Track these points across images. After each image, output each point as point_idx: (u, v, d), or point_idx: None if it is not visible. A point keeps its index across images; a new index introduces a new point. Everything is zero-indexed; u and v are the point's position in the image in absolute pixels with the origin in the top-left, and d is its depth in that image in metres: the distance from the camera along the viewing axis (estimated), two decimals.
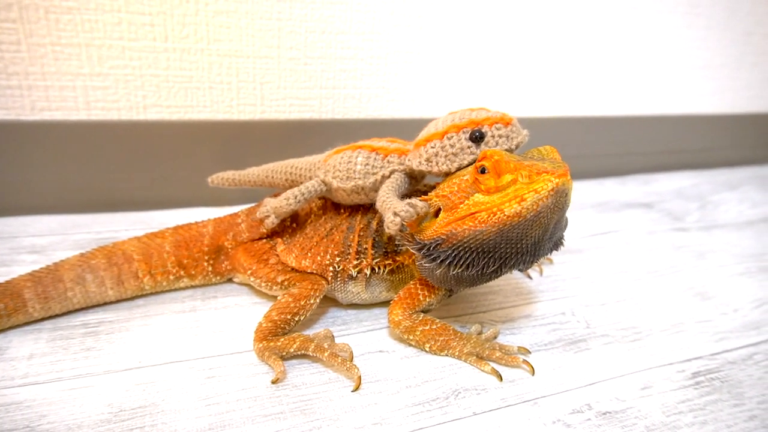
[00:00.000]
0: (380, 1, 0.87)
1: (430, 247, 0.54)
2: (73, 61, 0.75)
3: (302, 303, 0.59)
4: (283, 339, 0.56)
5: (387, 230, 0.54)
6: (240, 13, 0.80)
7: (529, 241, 0.50)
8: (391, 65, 0.93)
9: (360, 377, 0.54)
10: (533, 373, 0.57)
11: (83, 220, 0.80)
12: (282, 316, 0.58)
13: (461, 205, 0.52)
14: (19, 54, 0.72)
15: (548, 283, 0.76)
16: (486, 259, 0.52)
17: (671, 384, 0.58)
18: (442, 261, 0.53)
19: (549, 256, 0.82)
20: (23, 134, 0.75)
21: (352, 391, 0.53)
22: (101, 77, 0.77)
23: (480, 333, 0.62)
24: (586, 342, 0.64)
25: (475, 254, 0.52)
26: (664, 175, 1.25)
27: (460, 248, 0.52)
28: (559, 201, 0.48)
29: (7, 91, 0.73)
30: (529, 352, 0.60)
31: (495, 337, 0.62)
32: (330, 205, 0.67)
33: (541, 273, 0.78)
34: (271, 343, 0.56)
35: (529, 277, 0.77)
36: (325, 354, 0.55)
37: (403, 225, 0.55)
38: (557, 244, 0.56)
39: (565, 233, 0.57)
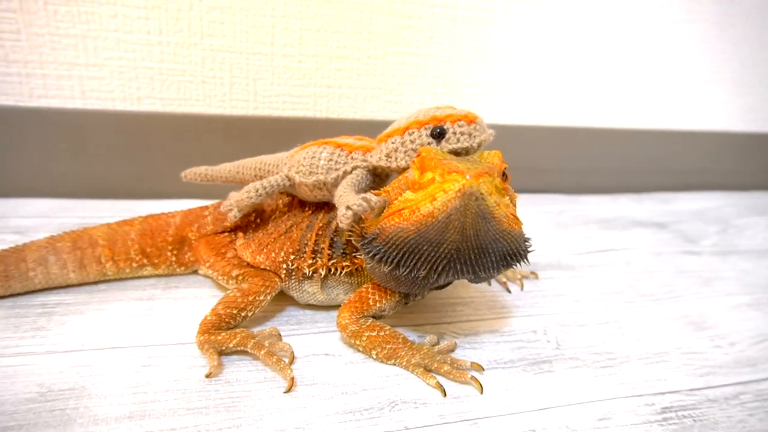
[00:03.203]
0: (379, 2, 0.86)
1: (367, 241, 0.52)
2: (70, 51, 0.77)
3: (250, 299, 0.58)
4: (224, 334, 0.55)
5: (339, 224, 0.53)
6: (234, 9, 0.81)
7: (449, 246, 0.47)
8: (389, 66, 0.91)
9: (293, 378, 0.52)
10: (482, 392, 0.54)
11: (71, 205, 0.82)
12: (227, 311, 0.57)
13: (395, 201, 0.50)
14: (19, 43, 0.75)
15: (527, 299, 0.72)
16: (413, 260, 0.49)
17: (634, 418, 0.53)
18: (374, 256, 0.52)
19: (534, 271, 0.78)
20: (20, 120, 0.78)
21: (284, 393, 0.51)
22: (96, 68, 0.79)
23: (435, 344, 0.59)
24: (551, 364, 0.60)
25: (401, 253, 0.49)
26: (687, 195, 1.17)
27: (388, 244, 0.50)
28: (469, 204, 0.44)
29: (6, 78, 0.77)
30: (483, 369, 0.57)
31: (450, 351, 0.59)
32: (296, 202, 0.66)
33: (521, 287, 0.74)
34: (212, 337, 0.55)
35: (508, 290, 0.73)
36: (262, 352, 0.54)
37: (361, 219, 0.54)
38: (506, 258, 0.51)
39: (523, 249, 0.53)
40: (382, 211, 0.54)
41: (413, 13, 0.88)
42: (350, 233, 0.56)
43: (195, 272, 0.69)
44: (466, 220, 0.45)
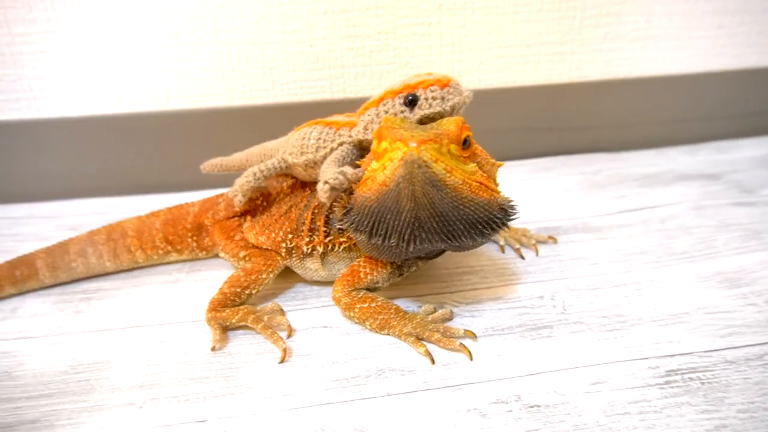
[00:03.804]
0: None
1: (346, 212, 0.55)
2: (104, 62, 0.85)
3: (253, 278, 0.62)
4: (228, 310, 0.60)
5: (320, 198, 0.55)
6: (243, 3, 0.84)
7: (409, 214, 0.47)
8: (400, 39, 0.90)
9: (285, 349, 0.55)
10: (471, 359, 0.54)
11: (121, 202, 0.91)
12: (232, 289, 0.61)
13: (366, 171, 0.51)
14: (59, 59, 0.84)
15: (541, 264, 0.70)
16: (382, 228, 0.50)
17: (632, 381, 0.50)
18: (351, 226, 0.53)
19: (553, 235, 0.75)
20: (70, 129, 0.88)
21: (279, 363, 0.55)
22: (128, 74, 0.87)
23: (430, 314, 0.60)
24: (552, 329, 0.58)
25: (370, 221, 0.51)
26: (749, 141, 1.04)
27: (360, 213, 0.52)
28: (413, 171, 0.44)
29: (53, 92, 0.86)
30: (476, 337, 0.56)
31: (446, 319, 0.59)
32: (299, 184, 0.69)
33: (536, 253, 0.72)
34: (218, 314, 0.60)
35: (522, 257, 0.71)
36: (259, 326, 0.58)
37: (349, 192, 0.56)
38: (477, 226, 0.50)
39: (496, 216, 0.52)
40: None
41: None
42: (338, 207, 0.58)
43: (216, 256, 0.75)
44: (415, 188, 0.45)
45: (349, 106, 0.92)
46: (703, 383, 0.50)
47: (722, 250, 0.71)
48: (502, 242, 0.73)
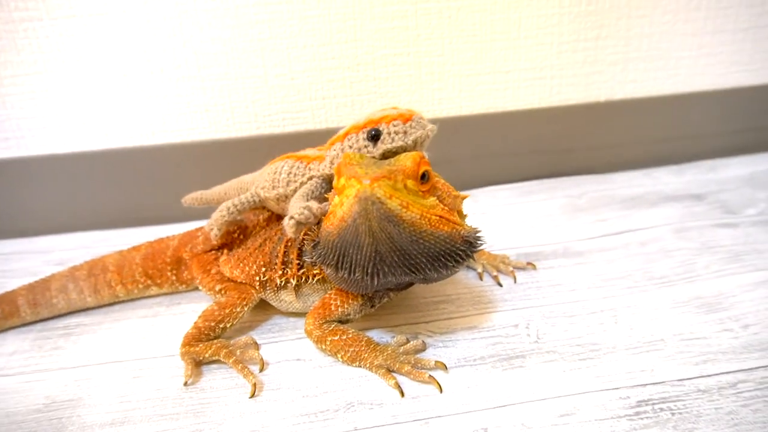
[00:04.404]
0: (359, 8, 0.87)
1: (313, 245, 0.55)
2: (93, 98, 0.88)
3: (227, 311, 0.62)
4: (201, 345, 0.60)
5: (286, 232, 0.56)
6: (223, 39, 0.87)
7: (369, 249, 0.48)
8: (380, 69, 0.92)
9: (255, 384, 0.55)
10: (441, 391, 0.54)
11: (108, 236, 0.92)
12: (206, 323, 0.62)
13: (330, 206, 0.52)
14: (47, 98, 0.87)
15: (518, 291, 0.69)
16: (346, 262, 0.51)
17: (602, 412, 0.50)
18: (318, 258, 0.54)
19: (531, 261, 0.75)
20: (54, 166, 0.90)
21: (249, 398, 0.55)
22: (113, 110, 0.89)
23: (403, 345, 0.59)
24: (524, 359, 0.58)
25: (334, 254, 0.51)
26: (738, 160, 1.04)
27: (325, 247, 0.52)
28: (368, 208, 0.45)
29: (42, 131, 0.88)
30: (446, 368, 0.56)
31: (418, 351, 0.59)
32: (274, 217, 0.70)
33: (514, 280, 0.71)
34: (192, 348, 0.60)
35: (499, 284, 0.71)
36: (231, 360, 0.58)
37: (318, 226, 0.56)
38: (440, 259, 0.51)
39: (458, 248, 0.52)
40: None
41: (396, 13, 0.89)
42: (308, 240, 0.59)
43: (197, 288, 0.75)
44: (372, 223, 0.46)
45: (332, 136, 0.94)
46: (673, 413, 0.49)
47: (702, 274, 0.70)
48: (480, 269, 0.73)
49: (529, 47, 0.94)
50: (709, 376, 0.53)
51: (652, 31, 0.97)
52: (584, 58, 0.97)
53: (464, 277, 0.73)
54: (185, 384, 0.57)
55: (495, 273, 0.72)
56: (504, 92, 0.97)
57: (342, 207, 0.47)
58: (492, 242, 0.80)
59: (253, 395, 0.55)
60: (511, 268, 0.72)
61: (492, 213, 0.93)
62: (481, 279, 0.73)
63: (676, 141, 1.05)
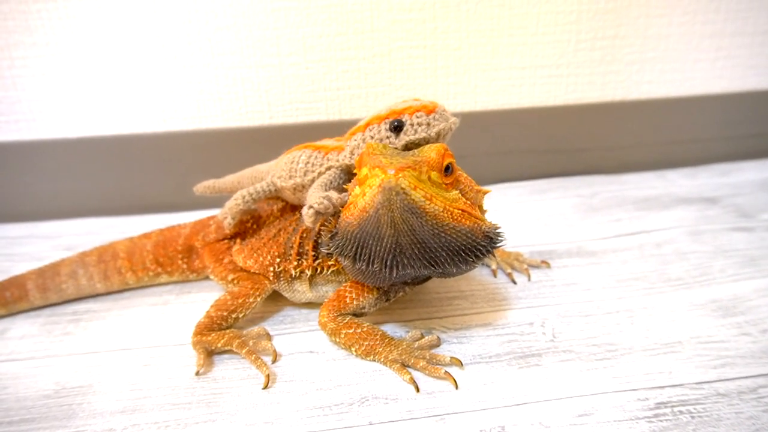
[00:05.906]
0: None
1: (331, 236, 0.55)
2: (107, 83, 0.87)
3: (240, 301, 0.62)
4: (214, 334, 0.59)
5: (305, 223, 0.56)
6: (238, 27, 0.86)
7: (389, 240, 0.47)
8: (395, 61, 0.91)
9: (269, 375, 0.55)
10: (456, 387, 0.53)
11: (117, 222, 0.92)
12: (219, 313, 0.61)
13: (350, 196, 0.51)
14: (58, 81, 0.86)
15: (533, 290, 0.69)
16: (365, 253, 0.50)
17: (620, 413, 0.49)
18: (336, 250, 0.53)
19: (546, 260, 0.74)
20: (66, 150, 0.89)
21: (262, 389, 0.54)
22: (127, 95, 0.88)
23: (417, 340, 0.59)
24: (540, 357, 0.57)
25: (353, 247, 0.51)
26: (752, 164, 1.03)
27: (343, 238, 0.52)
28: (392, 199, 0.44)
29: (53, 114, 0.87)
30: (462, 364, 0.56)
31: (433, 346, 0.59)
32: (289, 207, 0.69)
33: (528, 278, 0.71)
34: (204, 338, 0.59)
35: (513, 281, 0.70)
36: (244, 351, 0.57)
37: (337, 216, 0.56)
38: (461, 253, 0.50)
39: (479, 243, 0.52)
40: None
41: (414, 4, 0.88)
42: (325, 230, 0.58)
43: (207, 278, 0.75)
44: (394, 214, 0.45)
45: (345, 127, 0.93)
46: (693, 417, 0.49)
47: (718, 277, 0.69)
48: (494, 266, 0.72)
49: (546, 44, 0.93)
50: (728, 380, 0.53)
51: (671, 31, 0.96)
52: (602, 57, 0.96)
53: (478, 273, 0.73)
54: (197, 373, 0.57)
55: (509, 270, 0.71)
56: (519, 89, 0.96)
57: (364, 197, 0.46)
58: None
59: (266, 387, 0.54)
60: (525, 266, 0.72)
61: (503, 210, 0.92)
62: (494, 276, 0.72)
63: (689, 143, 1.04)
